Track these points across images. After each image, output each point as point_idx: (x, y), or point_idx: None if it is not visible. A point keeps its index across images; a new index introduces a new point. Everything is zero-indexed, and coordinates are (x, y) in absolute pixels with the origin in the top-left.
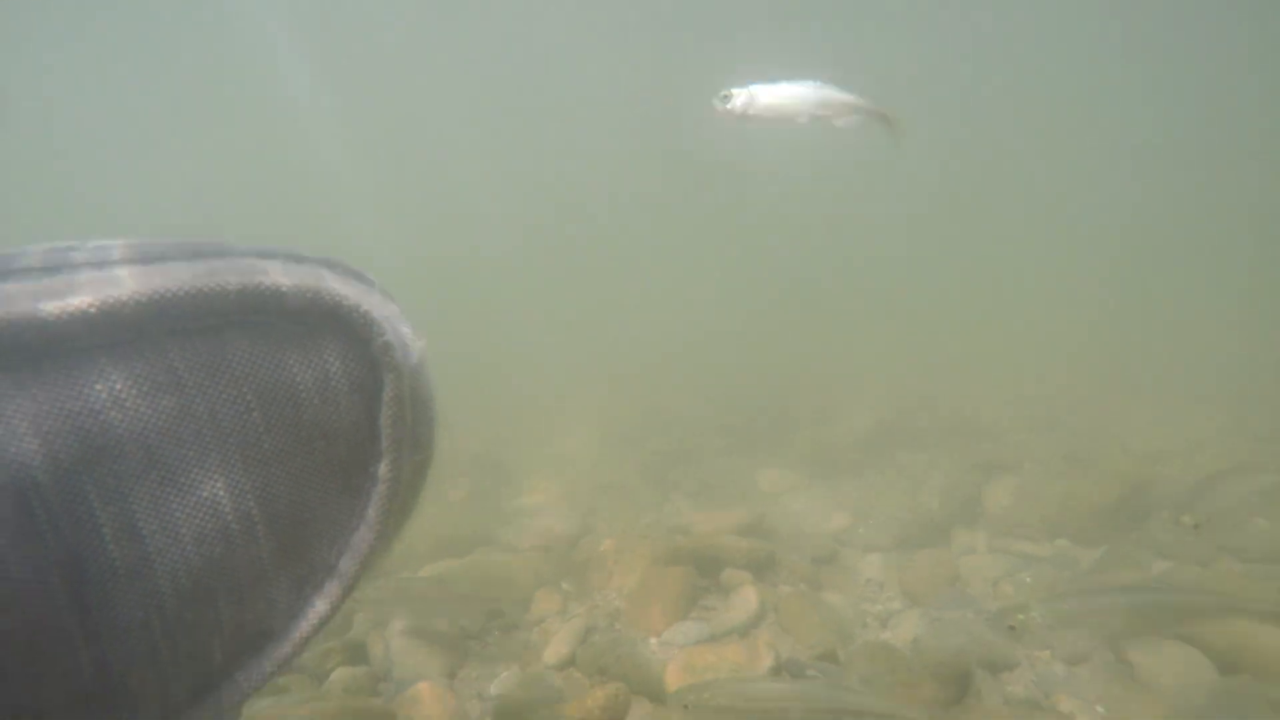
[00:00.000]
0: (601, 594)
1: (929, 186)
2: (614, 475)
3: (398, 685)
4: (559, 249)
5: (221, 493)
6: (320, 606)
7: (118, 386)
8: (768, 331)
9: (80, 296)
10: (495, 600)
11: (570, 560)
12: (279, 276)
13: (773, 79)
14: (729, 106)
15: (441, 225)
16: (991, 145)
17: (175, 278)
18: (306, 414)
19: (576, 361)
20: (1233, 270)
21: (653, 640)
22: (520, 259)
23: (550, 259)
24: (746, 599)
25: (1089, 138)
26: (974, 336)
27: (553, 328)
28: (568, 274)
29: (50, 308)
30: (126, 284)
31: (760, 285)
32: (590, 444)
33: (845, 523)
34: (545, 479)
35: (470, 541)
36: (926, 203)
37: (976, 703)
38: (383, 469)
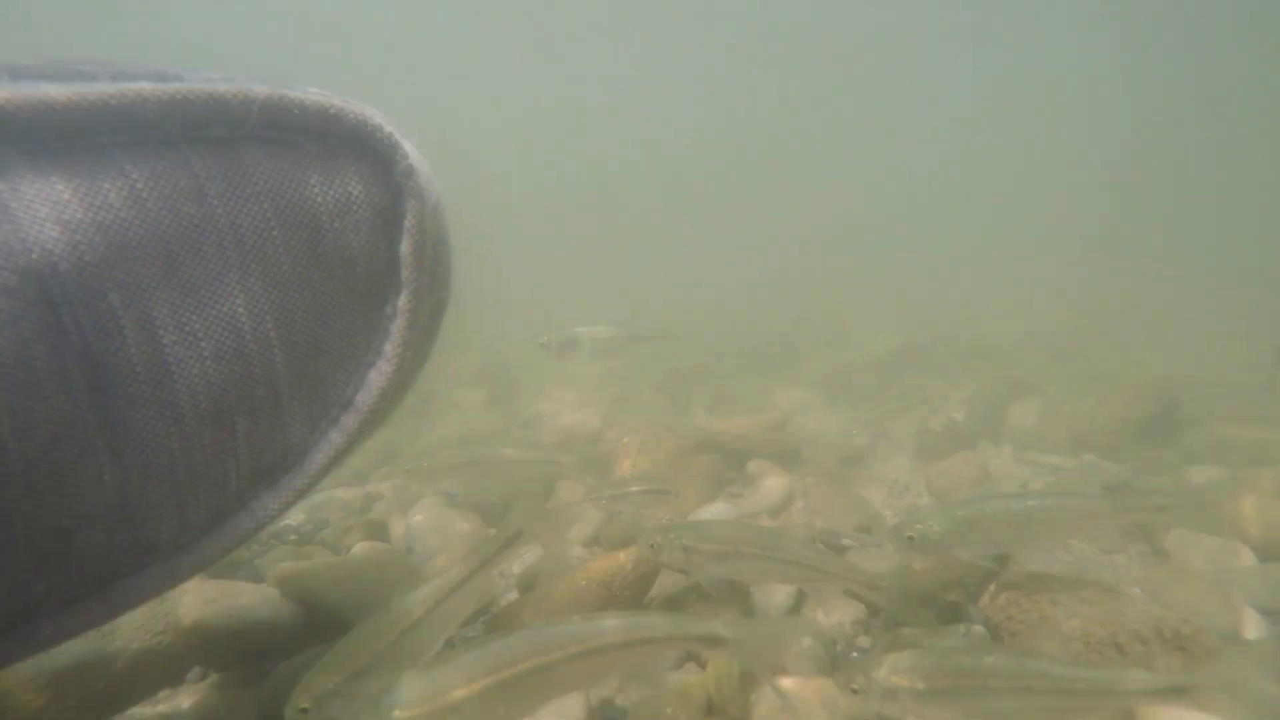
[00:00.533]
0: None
1: (946, 143)
2: (629, 391)
3: (420, 558)
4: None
5: (240, 310)
6: (335, 439)
7: (138, 185)
8: (789, 270)
9: (97, 86)
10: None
11: (591, 454)
12: (302, 93)
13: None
14: (542, 343)
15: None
16: (1006, 99)
17: (196, 85)
18: (326, 237)
19: (599, 292)
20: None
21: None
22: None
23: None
24: (775, 483)
25: (1100, 88)
26: (993, 275)
27: (585, 262)
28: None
29: (64, 94)
30: (145, 85)
31: (785, 230)
32: (605, 364)
33: (866, 439)
34: (560, 391)
35: (486, 441)
36: (943, 156)
37: (1017, 575)
38: (402, 302)
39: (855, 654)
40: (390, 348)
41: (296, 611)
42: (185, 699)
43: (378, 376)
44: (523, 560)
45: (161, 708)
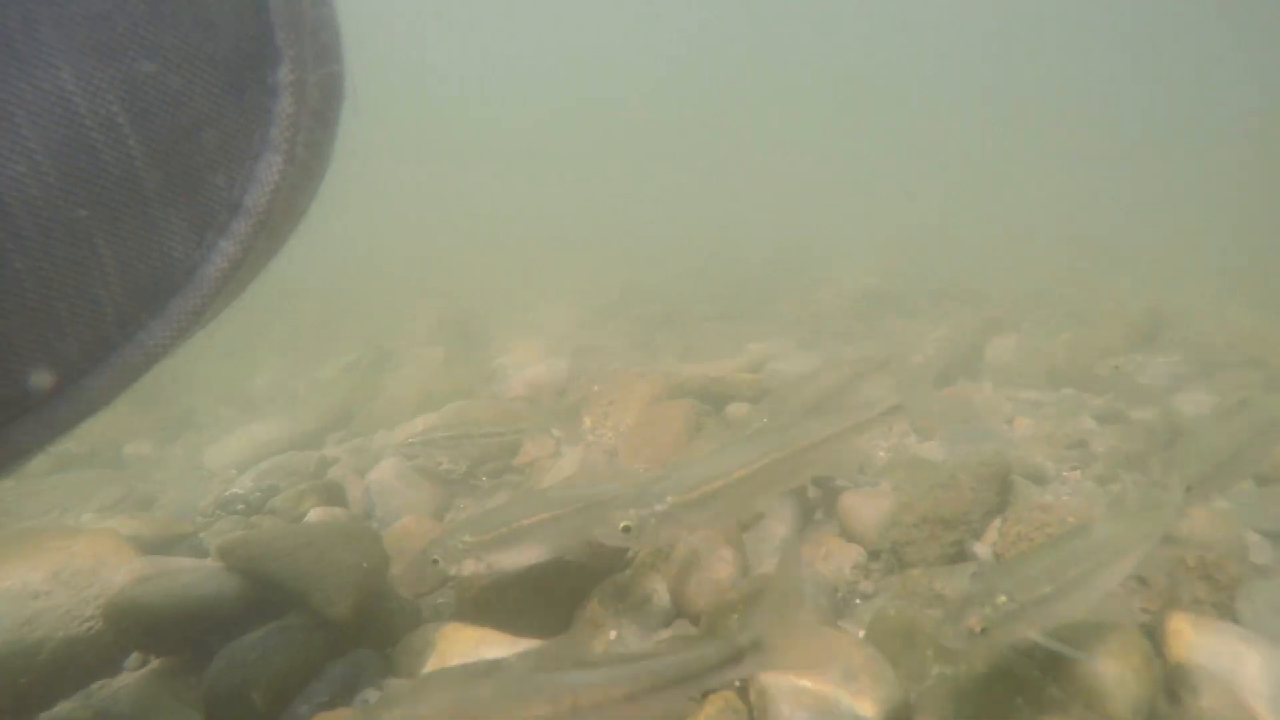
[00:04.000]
0: (595, 434)
1: (920, 89)
2: (597, 339)
3: (381, 524)
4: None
5: (69, 84)
6: (228, 248)
7: None
8: (762, 216)
9: None
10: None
11: (559, 407)
12: None
13: None
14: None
15: None
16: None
17: None
18: None
19: (567, 247)
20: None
21: (656, 471)
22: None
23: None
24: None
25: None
26: (967, 219)
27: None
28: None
29: None
30: None
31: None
32: (571, 314)
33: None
34: (526, 342)
35: (451, 396)
36: (916, 103)
37: (1022, 509)
38: (282, 74)
39: (858, 601)
40: (277, 133)
41: (243, 585)
42: (122, 689)
43: (266, 170)
44: None
45: (96, 700)
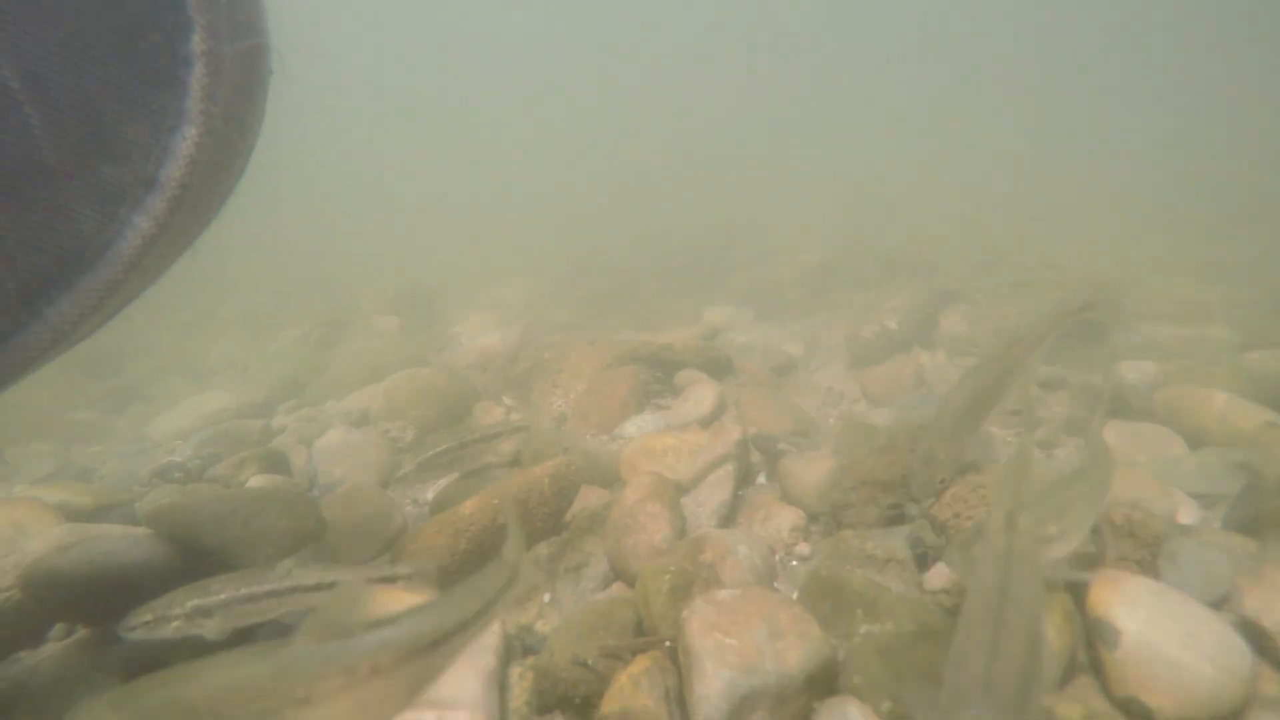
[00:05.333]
0: (545, 401)
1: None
2: (552, 314)
3: (324, 490)
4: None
5: None
6: (142, 224)
7: None
8: (716, 188)
9: None
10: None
11: (510, 375)
12: None
13: None
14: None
15: None
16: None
17: None
18: None
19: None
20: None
21: (604, 436)
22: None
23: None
24: (705, 393)
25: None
26: (919, 188)
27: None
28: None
29: None
30: None
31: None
32: (528, 288)
33: (798, 352)
34: (480, 315)
35: (403, 365)
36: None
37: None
38: (195, 43)
39: (795, 562)
40: (192, 105)
41: (170, 552)
42: (44, 660)
43: (182, 143)
44: (438, 487)
45: (16, 671)
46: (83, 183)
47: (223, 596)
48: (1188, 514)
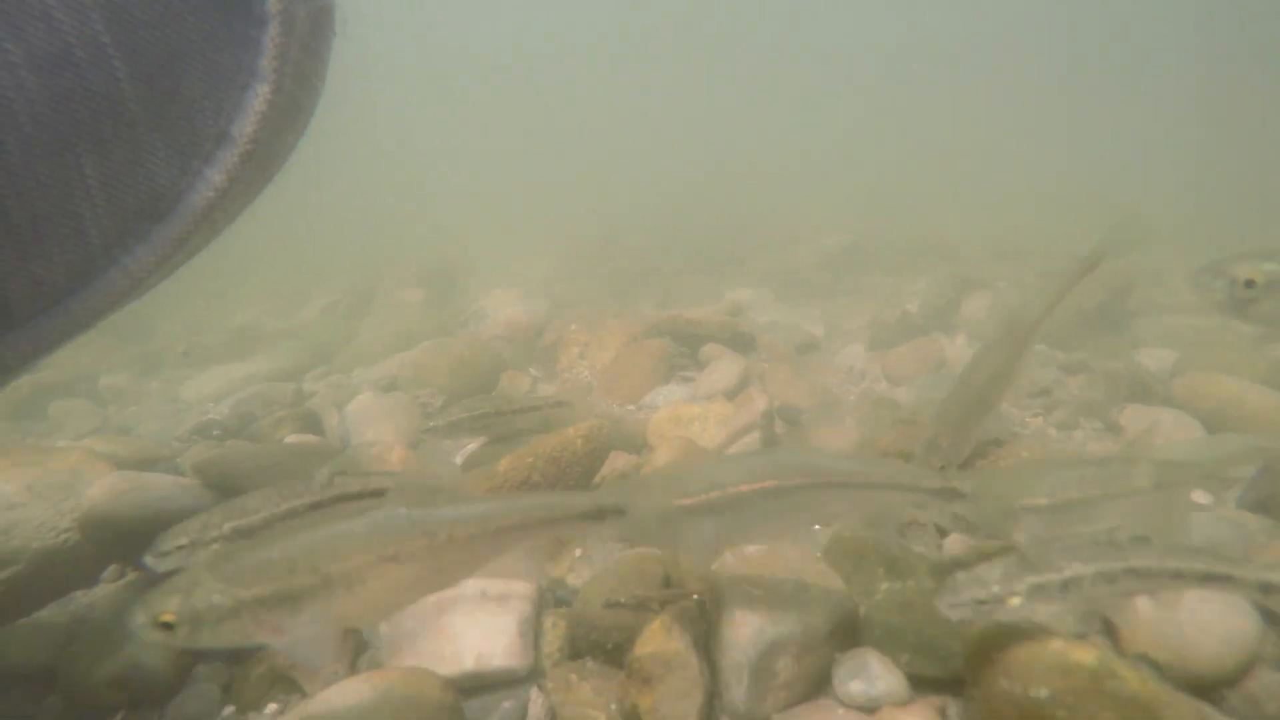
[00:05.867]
0: (571, 373)
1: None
2: (575, 291)
3: (357, 450)
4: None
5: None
6: (214, 177)
7: None
8: (741, 173)
9: None
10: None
11: (536, 346)
12: None
13: None
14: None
15: None
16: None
17: None
18: None
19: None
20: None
21: (630, 406)
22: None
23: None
24: (730, 366)
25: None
26: (945, 180)
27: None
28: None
29: None
30: None
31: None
32: (551, 265)
33: (819, 332)
34: (503, 290)
35: (430, 335)
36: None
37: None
38: (271, 3)
39: (817, 527)
40: (265, 63)
41: (216, 500)
42: (100, 599)
43: (254, 100)
44: (468, 450)
45: (74, 607)
46: (161, 135)
47: (263, 514)
48: (1201, 495)
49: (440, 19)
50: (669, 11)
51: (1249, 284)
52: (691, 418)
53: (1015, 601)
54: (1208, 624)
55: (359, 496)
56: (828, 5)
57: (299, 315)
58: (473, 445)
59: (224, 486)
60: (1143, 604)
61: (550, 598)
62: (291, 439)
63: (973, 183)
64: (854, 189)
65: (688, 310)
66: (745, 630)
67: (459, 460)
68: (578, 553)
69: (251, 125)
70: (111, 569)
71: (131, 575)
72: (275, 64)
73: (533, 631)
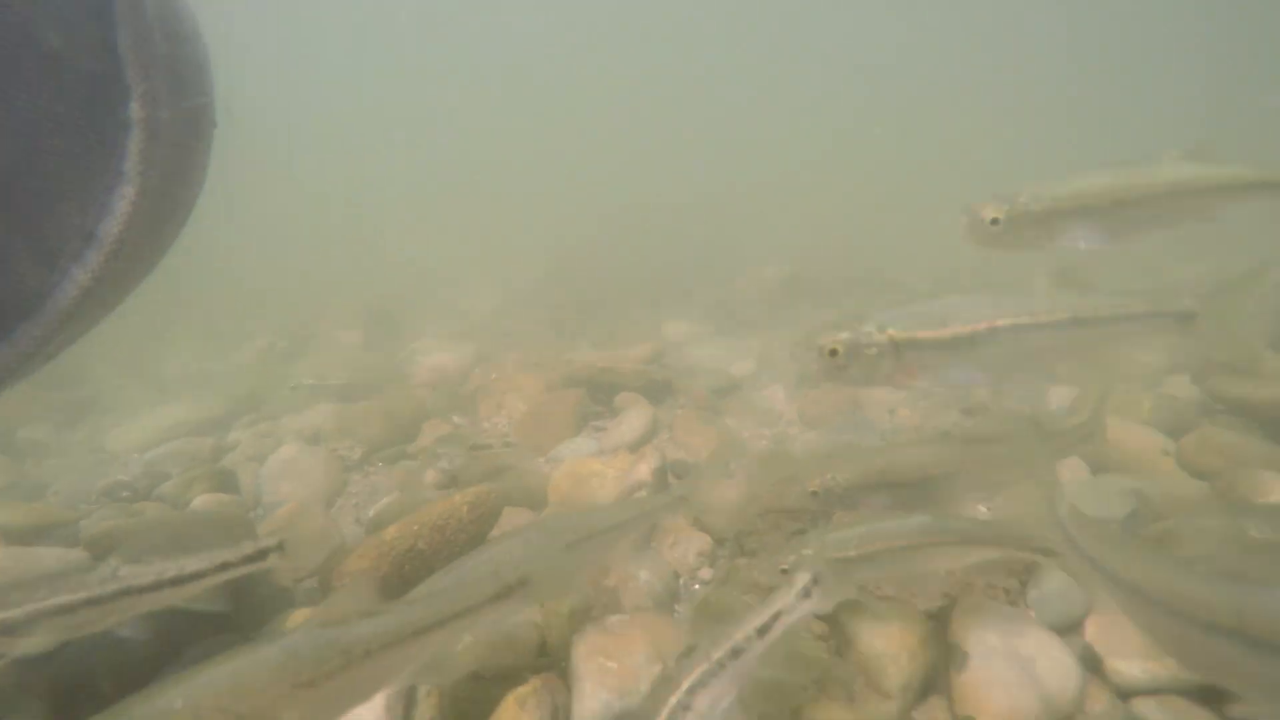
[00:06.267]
0: (491, 421)
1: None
2: (515, 325)
3: (267, 510)
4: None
5: None
6: (80, 277)
7: None
8: (688, 203)
9: None
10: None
11: (460, 393)
12: None
13: None
14: None
15: None
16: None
17: None
18: (8, 16)
19: (489, 235)
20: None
21: (540, 458)
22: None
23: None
24: (639, 416)
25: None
26: (884, 207)
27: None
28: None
29: None
30: None
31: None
32: (493, 301)
33: (749, 369)
34: (444, 329)
35: (363, 383)
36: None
37: None
38: (134, 110)
39: (697, 586)
40: (129, 166)
41: None
42: None
43: (119, 201)
44: (380, 505)
45: None
46: (25, 237)
47: (24, 611)
48: None
49: (394, 48)
50: (621, 41)
51: (833, 353)
52: (590, 474)
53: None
54: (1030, 684)
55: (154, 589)
56: (779, 36)
57: (236, 357)
58: (385, 500)
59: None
60: (974, 661)
61: (431, 664)
62: (201, 500)
63: (924, 208)
64: (802, 217)
65: (604, 355)
66: (594, 704)
67: (370, 514)
68: None
69: (117, 225)
70: None
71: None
72: (140, 166)
73: (402, 704)
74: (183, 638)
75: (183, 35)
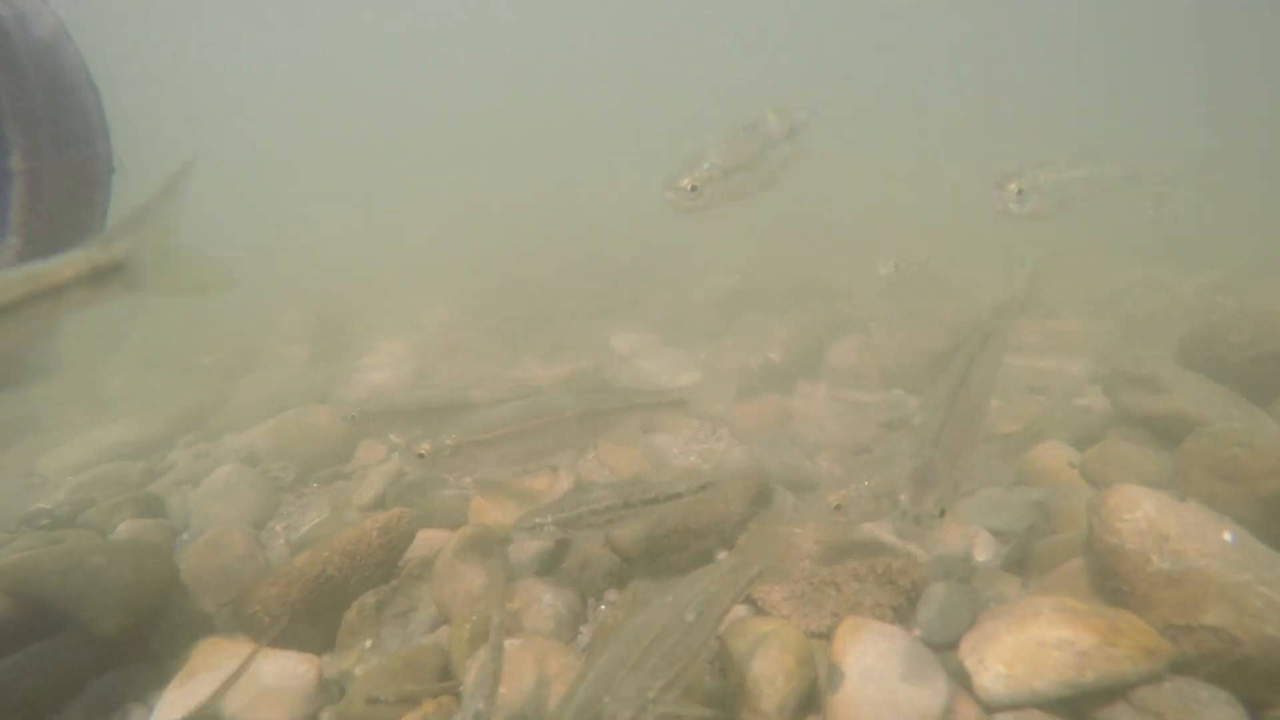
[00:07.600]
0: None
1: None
2: (465, 338)
3: (194, 534)
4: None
5: None
6: None
7: None
8: (638, 211)
9: None
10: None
11: None
12: None
13: None
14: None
15: None
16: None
17: None
18: None
19: (446, 246)
20: None
21: (467, 480)
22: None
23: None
24: None
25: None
26: (835, 214)
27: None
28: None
29: None
30: None
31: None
32: (445, 312)
33: (693, 380)
34: (392, 342)
35: (302, 399)
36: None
37: (769, 513)
38: (14, 162)
39: (604, 607)
40: (15, 216)
41: (11, 607)
42: None
43: (5, 251)
44: (309, 526)
45: None
46: None
47: None
48: (984, 551)
49: (335, 56)
50: (575, 43)
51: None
52: (510, 496)
53: None
54: (898, 703)
55: None
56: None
57: (181, 373)
58: (315, 518)
59: (21, 593)
60: (849, 681)
61: (336, 689)
62: (126, 526)
63: (877, 214)
64: (753, 224)
65: (537, 372)
66: None
67: (298, 536)
68: (368, 643)
69: None
70: None
71: None
72: (24, 217)
73: None
74: (86, 673)
75: (66, 86)
